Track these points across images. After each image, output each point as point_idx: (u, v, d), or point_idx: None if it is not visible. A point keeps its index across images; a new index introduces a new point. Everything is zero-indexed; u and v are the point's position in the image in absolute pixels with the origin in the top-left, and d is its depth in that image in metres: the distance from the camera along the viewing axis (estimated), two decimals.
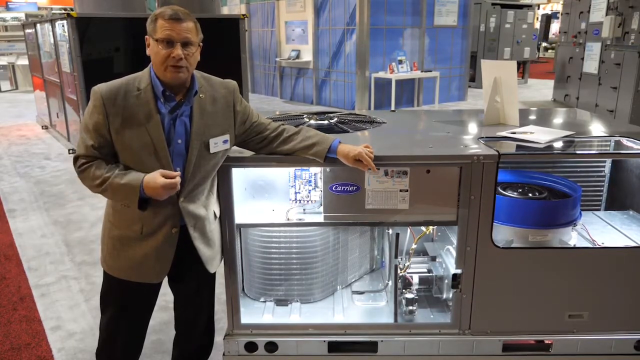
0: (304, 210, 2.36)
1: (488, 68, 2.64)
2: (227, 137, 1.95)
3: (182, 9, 1.77)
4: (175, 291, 2.16)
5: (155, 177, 1.73)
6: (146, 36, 1.80)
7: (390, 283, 2.44)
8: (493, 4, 12.94)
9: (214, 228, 2.05)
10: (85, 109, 1.81)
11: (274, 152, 2.07)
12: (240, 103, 2.00)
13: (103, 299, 2.06)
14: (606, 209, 2.90)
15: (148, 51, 1.80)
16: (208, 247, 2.00)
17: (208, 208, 1.99)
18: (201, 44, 1.87)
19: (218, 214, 2.10)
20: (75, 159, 1.83)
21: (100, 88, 1.77)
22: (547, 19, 17.67)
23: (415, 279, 2.44)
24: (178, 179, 1.75)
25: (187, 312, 2.20)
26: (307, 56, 11.21)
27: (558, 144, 2.33)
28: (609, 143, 2.45)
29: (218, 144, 1.92)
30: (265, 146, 2.08)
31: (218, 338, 2.85)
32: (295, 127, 2.12)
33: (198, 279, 2.10)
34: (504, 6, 13.00)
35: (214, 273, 2.16)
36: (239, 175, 2.29)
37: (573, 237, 2.38)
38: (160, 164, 1.80)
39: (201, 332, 2.24)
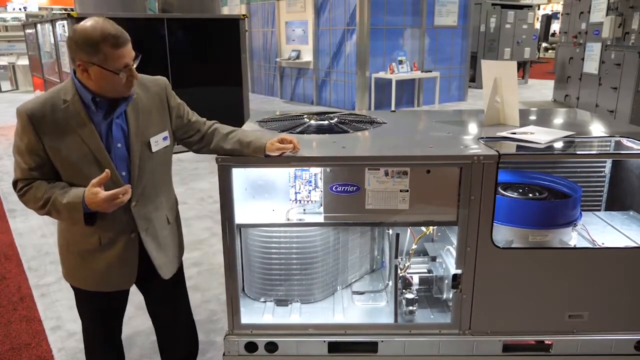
0: (304, 210, 2.36)
1: (488, 68, 2.64)
2: (166, 133, 1.92)
3: (117, 27, 1.67)
4: (144, 293, 2.15)
5: (96, 193, 1.65)
6: (82, 61, 1.65)
7: (390, 283, 2.44)
8: (493, 4, 12.94)
9: (166, 234, 2.00)
10: (15, 131, 1.74)
11: (214, 150, 2.05)
12: (173, 98, 1.97)
13: (78, 310, 2.07)
14: (606, 209, 2.90)
15: (83, 76, 1.67)
16: (160, 253, 1.96)
17: (160, 211, 1.95)
18: None
19: (172, 219, 2.05)
20: (15, 184, 1.77)
21: (25, 107, 1.69)
22: (548, 20, 17.68)
23: (416, 279, 2.44)
24: (124, 189, 1.68)
25: (162, 313, 2.21)
26: (307, 56, 11.22)
27: (558, 144, 2.33)
28: (609, 143, 2.45)
29: (159, 142, 1.89)
30: (204, 145, 2.06)
31: (218, 338, 2.85)
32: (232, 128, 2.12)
33: (166, 280, 2.06)
34: (504, 6, 13.00)
35: (182, 272, 2.19)
36: (239, 175, 2.29)
37: (573, 238, 2.38)
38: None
39: (182, 332, 2.27)
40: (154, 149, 1.87)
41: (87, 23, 1.64)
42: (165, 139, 1.92)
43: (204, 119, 2.10)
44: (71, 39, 1.65)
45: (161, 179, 1.96)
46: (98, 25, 1.63)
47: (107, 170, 1.68)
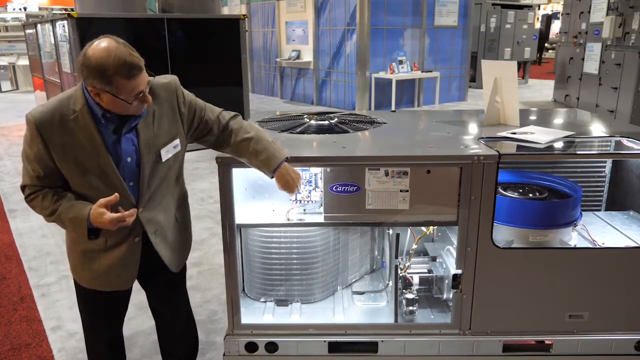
0: (304, 210, 2.36)
1: (488, 68, 2.64)
2: (177, 141, 1.88)
3: (132, 53, 1.61)
4: (146, 289, 2.16)
5: (102, 213, 1.65)
6: (93, 87, 1.60)
7: (390, 283, 2.44)
8: (493, 4, 12.93)
9: (175, 232, 2.01)
10: (24, 137, 1.72)
11: (230, 154, 2.02)
12: (183, 103, 1.90)
13: (79, 307, 2.08)
14: (606, 209, 2.90)
15: (97, 99, 1.64)
16: (169, 250, 1.97)
17: (168, 213, 1.95)
18: None
19: (181, 217, 2.05)
20: (22, 189, 1.76)
21: (34, 116, 1.66)
22: (548, 20, 17.68)
23: (416, 279, 2.44)
24: (130, 213, 1.70)
25: (164, 309, 2.21)
26: (307, 56, 11.22)
27: (558, 144, 2.33)
28: (609, 143, 2.45)
29: (169, 151, 1.86)
30: (219, 147, 2.02)
31: (218, 338, 2.85)
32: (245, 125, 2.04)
33: (168, 277, 2.08)
34: (504, 6, 12.99)
35: (184, 272, 2.20)
36: (239, 175, 2.29)
37: (573, 238, 2.38)
38: (112, 184, 1.74)
39: (182, 329, 2.27)
40: (164, 159, 1.85)
41: (100, 46, 1.58)
42: (175, 146, 1.89)
43: (218, 113, 2.00)
44: (83, 65, 1.58)
45: (170, 182, 1.94)
46: (112, 53, 1.56)
47: (116, 194, 1.68)
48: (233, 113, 2.07)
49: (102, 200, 1.67)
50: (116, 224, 1.68)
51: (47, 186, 1.74)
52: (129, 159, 1.77)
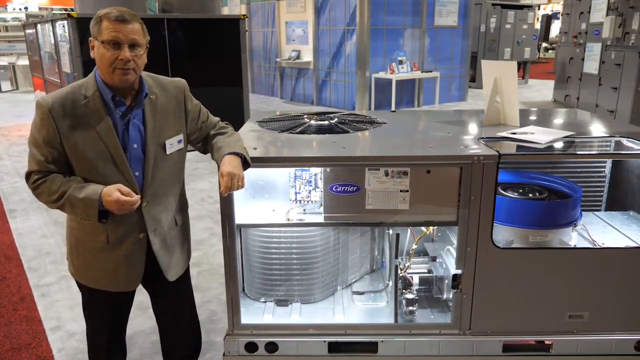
0: (304, 210, 2.36)
1: (488, 68, 2.64)
2: (180, 136, 1.94)
3: (128, 10, 1.73)
4: (150, 292, 2.16)
5: (112, 191, 1.69)
6: (90, 38, 1.74)
7: (390, 283, 2.44)
8: (493, 5, 12.95)
9: (174, 235, 2.01)
10: (32, 123, 1.76)
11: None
12: (191, 101, 2.00)
13: (84, 310, 2.08)
14: (606, 209, 2.90)
15: (92, 54, 1.75)
16: (167, 254, 1.97)
17: (168, 212, 1.96)
18: (148, 45, 1.81)
19: (181, 222, 2.06)
20: (28, 175, 1.77)
21: (46, 101, 1.71)
22: (548, 20, 17.69)
23: (416, 280, 2.44)
24: (136, 198, 1.72)
25: (167, 312, 2.20)
26: (307, 56, 11.22)
27: (558, 145, 2.33)
28: (609, 143, 2.45)
29: (173, 145, 1.91)
30: (205, 150, 2.10)
31: (218, 338, 2.85)
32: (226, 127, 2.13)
33: (173, 281, 2.06)
34: (504, 6, 13.01)
35: (188, 273, 2.19)
36: None
37: (573, 238, 2.38)
38: (118, 170, 1.77)
39: (185, 332, 2.26)
40: (168, 152, 1.89)
41: None
42: (179, 142, 1.94)
43: (216, 121, 2.13)
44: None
45: (173, 181, 1.97)
46: (112, 9, 1.71)
47: (136, 197, 1.73)
48: (227, 124, 2.17)
49: (123, 188, 1.71)
50: (121, 206, 1.69)
51: (55, 171, 1.76)
52: (135, 145, 1.81)
